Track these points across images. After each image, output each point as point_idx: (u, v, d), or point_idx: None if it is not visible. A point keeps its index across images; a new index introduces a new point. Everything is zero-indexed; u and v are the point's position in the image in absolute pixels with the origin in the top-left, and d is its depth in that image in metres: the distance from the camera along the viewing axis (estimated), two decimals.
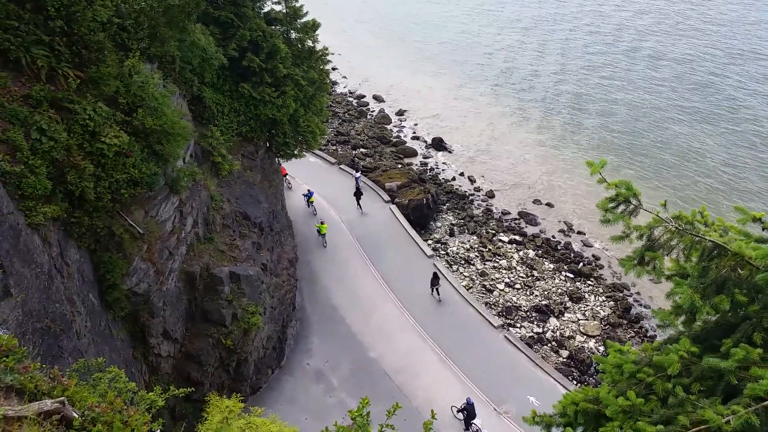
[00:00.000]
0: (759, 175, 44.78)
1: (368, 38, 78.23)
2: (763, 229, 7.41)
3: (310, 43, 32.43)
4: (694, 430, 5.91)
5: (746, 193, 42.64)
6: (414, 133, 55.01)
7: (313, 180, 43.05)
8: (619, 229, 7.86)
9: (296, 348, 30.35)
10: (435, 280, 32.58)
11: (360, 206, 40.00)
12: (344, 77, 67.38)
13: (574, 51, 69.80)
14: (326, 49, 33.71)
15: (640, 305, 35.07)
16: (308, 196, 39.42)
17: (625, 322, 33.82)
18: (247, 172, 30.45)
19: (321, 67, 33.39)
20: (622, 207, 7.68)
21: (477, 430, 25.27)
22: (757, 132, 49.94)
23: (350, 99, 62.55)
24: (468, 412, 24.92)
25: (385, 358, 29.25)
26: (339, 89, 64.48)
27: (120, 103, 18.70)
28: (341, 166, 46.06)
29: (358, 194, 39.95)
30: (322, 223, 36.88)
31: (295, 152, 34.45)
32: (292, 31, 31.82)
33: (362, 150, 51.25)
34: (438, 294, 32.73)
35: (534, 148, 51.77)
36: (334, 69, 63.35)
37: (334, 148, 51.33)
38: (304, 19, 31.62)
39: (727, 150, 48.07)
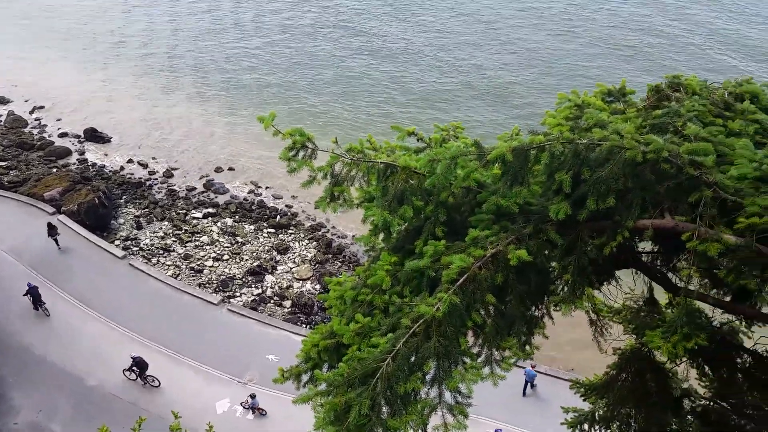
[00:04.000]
0: (398, 101, 51.66)
1: None
2: (418, 140, 8.59)
3: None
4: (416, 326, 6.72)
5: (396, 114, 48.85)
6: (60, 129, 48.36)
7: None
8: (305, 174, 8.21)
9: None
10: (51, 230, 32.74)
11: None
12: None
13: (201, 16, 68.89)
14: None
15: (339, 237, 38.17)
16: None
17: (330, 256, 36.53)
18: None
19: None
20: (301, 153, 8.03)
21: (153, 379, 26.04)
22: (388, 60, 57.19)
23: None
24: (139, 365, 25.58)
25: (107, 380, 26.41)
26: None
27: None
28: None
29: None
30: None
31: None
32: None
33: (1, 164, 43.23)
34: (58, 244, 32.99)
35: (196, 116, 50.43)
36: None
37: None
38: None
39: (370, 79, 54.11)
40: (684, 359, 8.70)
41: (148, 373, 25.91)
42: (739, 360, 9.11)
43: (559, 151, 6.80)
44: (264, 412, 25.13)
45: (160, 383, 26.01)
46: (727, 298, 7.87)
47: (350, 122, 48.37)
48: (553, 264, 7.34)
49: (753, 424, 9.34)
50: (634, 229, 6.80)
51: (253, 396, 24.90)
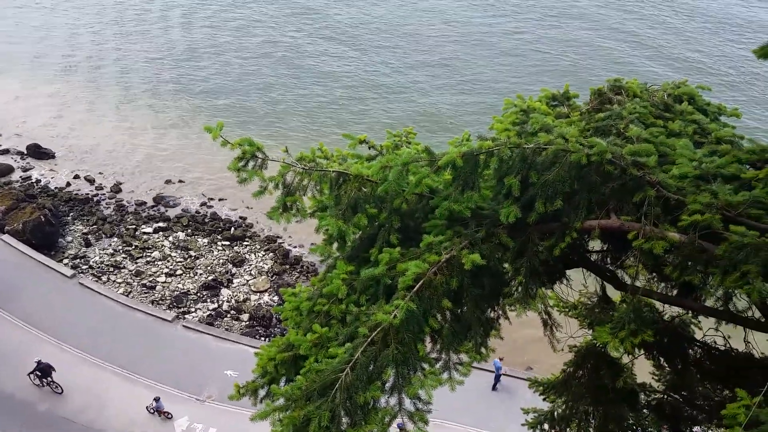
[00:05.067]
0: (332, 113, 51.47)
1: None
2: (369, 148, 8.57)
3: None
4: (374, 334, 6.68)
5: (343, 122, 48.70)
6: (0, 146, 46.45)
7: None
8: (256, 184, 8.08)
9: None
10: None
11: None
12: None
13: (131, 27, 67.39)
14: None
15: (296, 247, 37.79)
16: None
17: (287, 267, 36.11)
18: None
19: None
20: (251, 163, 7.90)
21: (57, 385, 25.62)
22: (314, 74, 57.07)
23: None
24: (42, 370, 25.11)
25: (59, 403, 25.41)
26: None
27: None
28: None
29: None
30: None
31: None
32: None
33: None
34: None
35: (142, 129, 48.91)
36: None
37: None
38: None
39: (305, 86, 53.79)
40: (640, 353, 8.92)
41: (53, 378, 25.56)
42: (691, 351, 9.41)
43: (508, 156, 6.90)
44: (170, 415, 24.79)
45: (63, 390, 25.59)
46: (674, 293, 8.12)
47: (297, 129, 47.69)
48: (506, 266, 7.43)
49: (704, 414, 9.65)
50: (581, 230, 6.95)
51: (157, 399, 24.64)
